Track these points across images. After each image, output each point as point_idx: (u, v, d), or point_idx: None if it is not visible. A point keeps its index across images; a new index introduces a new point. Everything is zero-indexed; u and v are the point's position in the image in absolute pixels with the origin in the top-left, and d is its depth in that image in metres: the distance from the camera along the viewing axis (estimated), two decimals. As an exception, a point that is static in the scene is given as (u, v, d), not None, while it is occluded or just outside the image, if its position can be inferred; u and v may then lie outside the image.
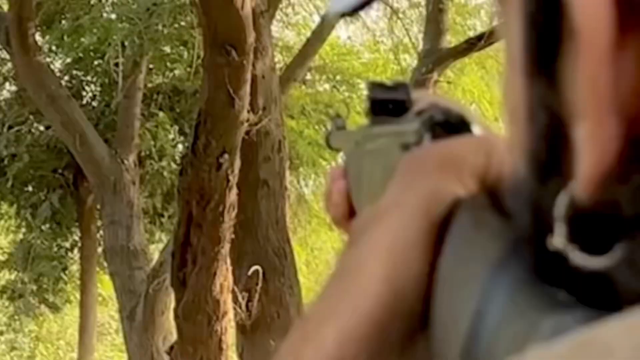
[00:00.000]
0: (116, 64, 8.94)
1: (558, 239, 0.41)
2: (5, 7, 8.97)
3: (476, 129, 0.68)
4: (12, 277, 13.16)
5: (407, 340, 0.56)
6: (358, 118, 12.02)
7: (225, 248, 5.51)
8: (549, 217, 0.41)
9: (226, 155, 5.18)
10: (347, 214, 0.80)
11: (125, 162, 9.34)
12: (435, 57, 9.22)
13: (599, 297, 0.40)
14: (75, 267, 12.93)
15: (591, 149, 0.38)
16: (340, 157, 0.93)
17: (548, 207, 0.41)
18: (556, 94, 0.39)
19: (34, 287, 12.90)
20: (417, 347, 0.56)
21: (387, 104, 0.78)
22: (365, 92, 0.80)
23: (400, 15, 11.39)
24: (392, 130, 0.74)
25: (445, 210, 0.57)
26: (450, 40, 9.95)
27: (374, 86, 0.79)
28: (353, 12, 0.55)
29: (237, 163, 5.32)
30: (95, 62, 11.08)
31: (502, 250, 0.47)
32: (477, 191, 0.59)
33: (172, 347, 6.58)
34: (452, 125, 0.67)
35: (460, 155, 0.61)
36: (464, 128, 0.67)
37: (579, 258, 0.40)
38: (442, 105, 0.72)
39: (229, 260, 5.68)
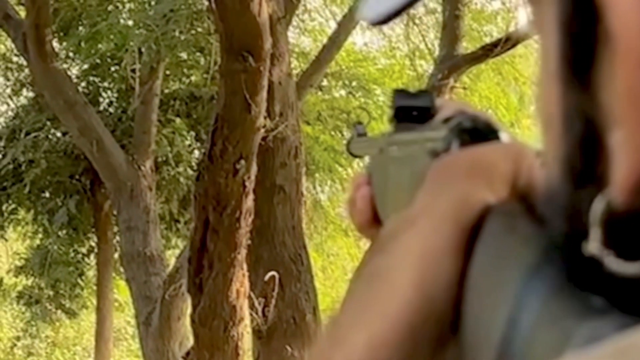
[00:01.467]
0: (133, 70, 8.96)
1: (593, 245, 0.41)
2: (23, 14, 9.00)
3: (504, 136, 0.67)
4: (29, 282, 13.20)
5: (437, 346, 0.56)
6: (374, 124, 12.02)
7: (242, 254, 5.51)
8: (583, 223, 0.41)
9: (243, 161, 5.18)
10: (371, 221, 0.80)
11: (142, 168, 9.36)
12: (452, 63, 9.21)
13: (635, 303, 0.40)
14: (91, 273, 12.96)
15: (628, 155, 0.38)
16: (364, 164, 0.93)
17: (583, 212, 0.41)
18: (592, 101, 0.39)
19: (51, 293, 12.94)
20: (448, 353, 0.56)
21: (410, 111, 0.78)
22: (389, 99, 0.80)
23: (417, 22, 11.37)
24: (418, 137, 0.74)
25: (476, 217, 0.57)
26: (466, 46, 9.94)
27: (398, 93, 0.79)
28: (383, 22, 0.55)
29: (254, 169, 5.32)
30: (112, 69, 11.12)
31: (535, 256, 0.47)
32: (507, 198, 0.59)
33: (188, 353, 6.58)
34: (479, 132, 0.67)
35: (490, 162, 0.61)
36: (492, 135, 0.67)
37: (614, 264, 0.40)
38: (469, 112, 0.72)
39: (245, 266, 5.67)
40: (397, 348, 0.56)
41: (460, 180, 0.60)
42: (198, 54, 10.09)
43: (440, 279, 0.56)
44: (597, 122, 0.39)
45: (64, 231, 12.20)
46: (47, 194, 11.85)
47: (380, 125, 12.15)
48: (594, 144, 0.40)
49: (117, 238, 11.10)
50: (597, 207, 0.40)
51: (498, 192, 0.59)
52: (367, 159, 0.89)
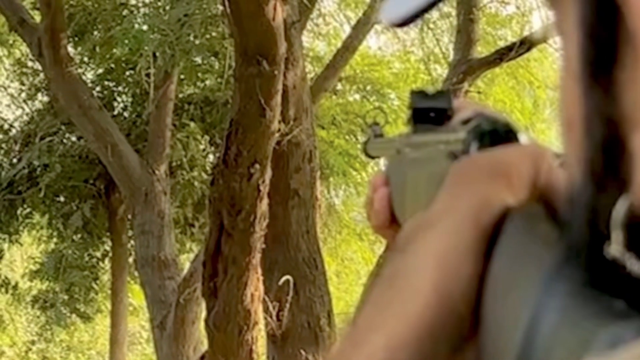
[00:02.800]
0: (147, 75, 8.98)
1: (615, 247, 0.41)
2: (38, 19, 9.03)
3: (523, 138, 0.67)
4: (44, 286, 13.22)
5: (456, 348, 0.56)
6: (388, 128, 12.00)
7: (256, 258, 5.51)
8: (605, 225, 0.41)
9: (257, 166, 5.19)
10: (389, 222, 0.80)
11: (157, 172, 9.37)
12: (466, 67, 9.20)
13: None
14: (106, 277, 12.98)
15: None
16: (378, 168, 0.93)
17: (604, 215, 0.41)
18: (613, 103, 0.39)
19: (66, 297, 12.96)
20: (467, 355, 0.56)
21: (428, 113, 0.77)
22: (406, 100, 0.80)
23: (431, 26, 11.38)
24: (437, 138, 0.74)
25: (496, 219, 0.57)
26: (480, 50, 9.93)
27: (416, 94, 0.79)
28: (404, 24, 0.55)
29: (268, 173, 5.32)
30: (127, 73, 11.14)
31: (556, 258, 0.47)
32: (527, 200, 0.59)
33: (202, 357, 6.59)
34: (499, 134, 0.67)
35: (509, 164, 0.61)
36: (511, 137, 0.67)
37: (636, 266, 0.40)
38: (488, 114, 0.72)
39: (259, 270, 5.67)
40: (416, 350, 0.56)
41: (480, 182, 0.60)
42: (212, 58, 10.10)
43: (460, 280, 0.56)
44: (619, 125, 0.39)
45: (79, 235, 12.22)
46: (61, 198, 11.86)
47: (395, 129, 12.15)
48: (615, 147, 0.40)
49: (132, 242, 11.11)
50: (619, 210, 0.40)
51: (518, 194, 0.59)
52: (382, 161, 0.89)
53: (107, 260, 12.72)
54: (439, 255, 0.57)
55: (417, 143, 0.79)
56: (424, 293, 0.56)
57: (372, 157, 0.95)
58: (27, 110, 12.47)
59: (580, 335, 0.42)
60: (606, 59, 0.39)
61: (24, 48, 11.59)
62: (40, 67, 10.71)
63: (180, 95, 10.82)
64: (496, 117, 0.70)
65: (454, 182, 0.63)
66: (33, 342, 15.38)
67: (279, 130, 5.39)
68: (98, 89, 11.41)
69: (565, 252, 0.46)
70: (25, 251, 15.16)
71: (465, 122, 0.71)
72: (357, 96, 12.31)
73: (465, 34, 9.43)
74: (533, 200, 0.59)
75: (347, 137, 11.67)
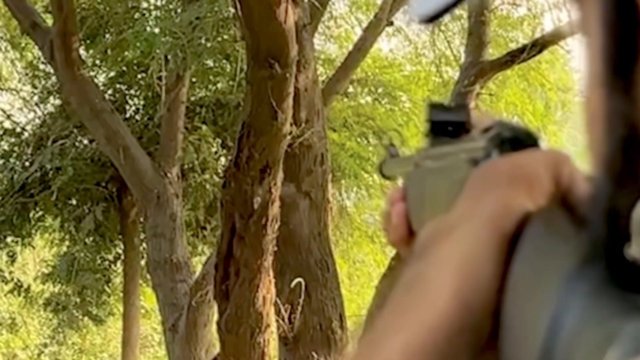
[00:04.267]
0: (159, 78, 8.99)
1: (635, 249, 0.41)
2: (50, 22, 9.05)
3: (543, 145, 0.67)
4: (56, 289, 13.26)
5: (475, 354, 0.56)
6: (400, 130, 12.00)
7: (268, 260, 5.51)
8: (624, 223, 0.41)
9: (269, 168, 5.19)
10: (407, 237, 0.80)
11: (169, 175, 9.38)
12: (477, 70, 9.18)
13: None
14: (118, 280, 13.00)
15: None
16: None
17: (624, 215, 0.41)
18: (633, 105, 0.39)
19: (78, 300, 12.99)
20: None
21: (446, 126, 0.77)
22: (425, 113, 0.80)
23: (442, 28, 11.36)
24: (456, 148, 0.73)
25: (516, 223, 0.57)
26: (492, 52, 9.92)
27: (434, 107, 0.79)
28: (434, 18, 0.55)
29: (280, 176, 5.32)
30: (139, 76, 11.16)
31: (578, 258, 0.47)
32: (548, 204, 0.59)
33: (214, 360, 6.59)
34: (519, 141, 0.67)
35: (530, 169, 0.61)
36: (532, 144, 0.67)
37: None
38: (508, 122, 0.71)
39: (271, 273, 5.67)
40: (434, 355, 0.55)
41: (500, 187, 0.60)
42: (224, 61, 10.11)
43: (480, 286, 0.56)
44: (639, 125, 0.39)
45: (91, 238, 12.24)
46: (74, 201, 11.89)
47: (406, 132, 12.15)
48: (635, 147, 0.40)
49: (144, 245, 11.13)
50: (639, 212, 0.40)
51: (538, 198, 0.59)
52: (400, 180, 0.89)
53: (119, 263, 12.74)
54: (458, 261, 0.57)
55: (436, 155, 0.78)
56: (443, 299, 0.56)
57: (389, 178, 0.94)
58: (39, 113, 12.50)
59: (603, 331, 0.42)
60: (627, 60, 0.39)
61: (36, 51, 11.63)
62: (52, 70, 10.74)
63: (192, 98, 10.83)
64: (516, 125, 0.70)
65: (474, 187, 0.63)
66: (45, 345, 15.41)
67: (291, 132, 5.39)
68: (110, 92, 11.43)
69: (587, 252, 0.47)
70: (38, 254, 15.19)
71: (485, 130, 0.71)
72: (369, 98, 12.31)
73: (476, 36, 9.42)
74: (554, 204, 0.59)
75: (358, 139, 11.67)
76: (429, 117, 0.78)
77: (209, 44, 8.53)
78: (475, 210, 0.60)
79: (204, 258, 10.57)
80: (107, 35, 10.59)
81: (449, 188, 0.70)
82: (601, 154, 0.42)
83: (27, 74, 12.96)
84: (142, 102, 11.68)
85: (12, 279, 12.89)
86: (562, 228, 0.53)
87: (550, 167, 0.61)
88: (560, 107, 12.53)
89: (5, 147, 12.19)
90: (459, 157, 0.72)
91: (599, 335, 0.42)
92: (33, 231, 12.32)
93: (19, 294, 13.10)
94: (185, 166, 10.49)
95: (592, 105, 0.43)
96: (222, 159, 11.21)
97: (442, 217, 0.63)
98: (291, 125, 5.32)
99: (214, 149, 11.15)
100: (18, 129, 12.50)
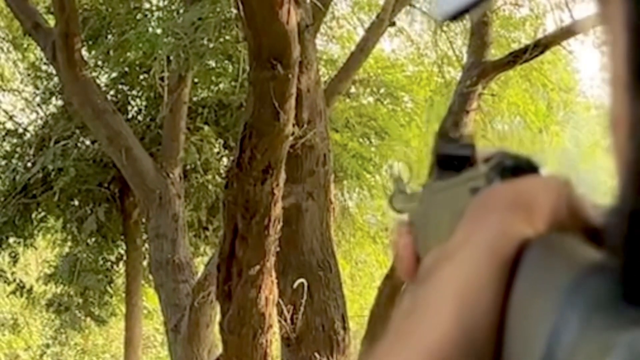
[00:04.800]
0: (161, 79, 8.99)
1: None
2: (52, 23, 9.05)
3: (545, 172, 0.67)
4: (59, 290, 13.27)
5: None
6: (402, 131, 12.02)
7: (271, 261, 5.50)
8: None
9: (271, 169, 5.19)
10: (415, 270, 0.80)
11: (171, 175, 9.39)
12: (480, 70, 9.18)
13: None
14: (120, 281, 13.01)
15: None
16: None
17: None
18: None
19: (80, 301, 13.01)
20: None
21: (453, 160, 0.78)
22: (432, 144, 0.80)
23: (445, 28, 11.36)
24: (459, 179, 0.74)
25: (515, 249, 0.57)
26: (494, 53, 9.92)
27: (441, 139, 0.79)
28: (460, 14, 0.56)
29: (282, 176, 5.32)
30: (141, 77, 11.17)
31: (577, 273, 0.47)
32: (548, 229, 0.59)
33: (217, 360, 6.59)
34: (521, 169, 0.67)
35: (529, 195, 0.61)
36: (533, 171, 0.67)
37: None
38: (510, 151, 0.72)
39: (274, 273, 5.67)
40: None
41: (499, 213, 0.60)
42: (226, 61, 10.11)
43: (479, 312, 0.56)
44: None
45: (93, 239, 12.26)
46: (76, 202, 11.90)
47: (408, 132, 12.16)
48: None
49: (146, 246, 11.14)
50: None
51: (538, 224, 0.59)
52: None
53: (121, 264, 12.75)
54: (457, 287, 0.57)
55: (440, 188, 0.79)
56: (443, 324, 0.56)
57: (399, 212, 0.95)
58: (42, 114, 12.52)
59: (599, 343, 0.42)
60: None
61: (38, 52, 11.64)
62: (54, 71, 10.76)
63: (194, 99, 10.84)
64: (517, 154, 0.70)
65: (472, 213, 0.63)
66: (48, 346, 15.43)
67: (293, 133, 5.39)
68: (112, 92, 11.44)
69: (587, 267, 0.46)
70: (40, 255, 15.21)
71: (487, 160, 0.71)
72: (371, 99, 12.32)
73: (478, 36, 9.42)
74: (555, 229, 0.59)
75: (360, 140, 11.68)
76: (435, 149, 0.79)
77: (211, 45, 8.53)
78: (474, 236, 0.60)
79: (206, 259, 10.58)
80: (110, 36, 10.59)
81: (452, 218, 0.70)
82: (625, 159, 0.42)
83: (29, 75, 12.97)
84: (144, 103, 11.69)
85: (15, 280, 12.91)
86: (562, 247, 0.53)
87: (550, 193, 0.60)
88: (562, 107, 12.53)
89: (8, 148, 12.20)
90: (461, 187, 0.73)
91: (595, 347, 0.42)
92: (35, 232, 12.33)
93: (22, 295, 13.11)
94: (188, 167, 10.50)
95: (615, 109, 0.43)
96: (224, 160, 11.22)
97: (443, 244, 0.63)
98: (293, 126, 5.32)
99: (216, 150, 11.16)
100: (20, 130, 12.51)
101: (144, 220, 10.51)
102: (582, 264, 0.48)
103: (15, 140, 12.26)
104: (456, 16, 0.56)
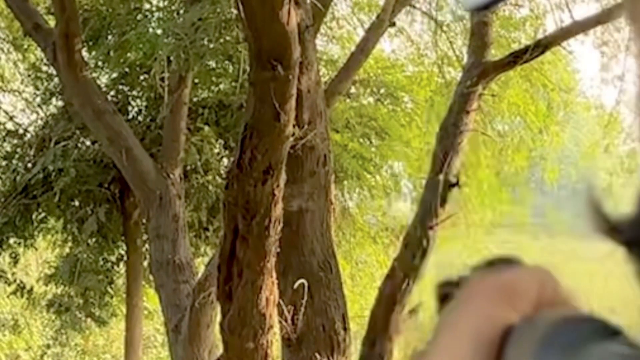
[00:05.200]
0: (162, 79, 8.99)
1: None
2: (52, 24, 9.05)
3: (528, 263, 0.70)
4: (59, 291, 13.27)
5: None
6: (402, 131, 12.02)
7: (271, 261, 5.50)
8: None
9: (272, 170, 5.18)
10: None
11: (171, 176, 9.39)
12: (480, 70, 9.18)
13: None
14: (121, 281, 13.02)
15: None
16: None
17: None
18: None
19: (80, 301, 13.01)
20: None
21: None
22: (436, 287, 0.82)
23: (445, 29, 11.37)
24: None
25: (500, 334, 0.59)
26: (494, 53, 9.91)
27: (443, 286, 0.81)
28: (487, 6, 0.56)
29: (283, 177, 5.32)
30: (141, 77, 11.17)
31: (545, 328, 0.48)
32: (532, 313, 0.61)
33: (217, 361, 6.59)
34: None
35: (513, 282, 0.63)
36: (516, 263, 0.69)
37: None
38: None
39: (274, 274, 5.67)
40: None
41: (482, 299, 0.63)
42: (227, 62, 10.12)
43: None
44: None
45: (94, 239, 12.26)
46: (76, 203, 11.90)
47: (408, 132, 12.16)
48: None
49: (147, 246, 11.14)
50: None
51: (523, 308, 0.61)
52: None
53: (121, 264, 12.76)
54: None
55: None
56: None
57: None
58: (42, 114, 12.53)
59: None
60: None
61: (39, 53, 11.65)
62: (54, 72, 10.76)
63: (195, 99, 10.85)
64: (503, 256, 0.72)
65: (459, 300, 0.65)
66: (48, 346, 15.42)
67: (294, 134, 5.39)
68: (112, 93, 11.45)
69: (555, 322, 0.48)
70: (40, 255, 15.20)
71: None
72: (371, 99, 12.32)
73: (479, 36, 9.42)
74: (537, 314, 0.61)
75: (361, 140, 11.68)
76: (438, 297, 0.81)
77: (211, 45, 8.53)
78: (459, 323, 0.62)
79: (206, 259, 10.58)
80: (110, 37, 10.59)
81: None
82: None
83: (29, 76, 12.97)
84: (144, 104, 11.70)
85: (15, 280, 12.91)
86: (543, 318, 0.55)
87: (534, 281, 0.63)
88: (562, 107, 12.53)
89: (8, 149, 12.21)
90: None
91: None
92: (36, 232, 12.34)
93: (22, 295, 13.11)
94: (188, 167, 10.50)
95: None
96: (225, 160, 11.23)
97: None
98: (294, 126, 5.32)
99: (216, 150, 11.17)
100: (20, 131, 12.52)
101: (144, 220, 10.52)
102: (551, 318, 0.49)
103: (15, 141, 12.27)
104: (488, 5, 0.57)
